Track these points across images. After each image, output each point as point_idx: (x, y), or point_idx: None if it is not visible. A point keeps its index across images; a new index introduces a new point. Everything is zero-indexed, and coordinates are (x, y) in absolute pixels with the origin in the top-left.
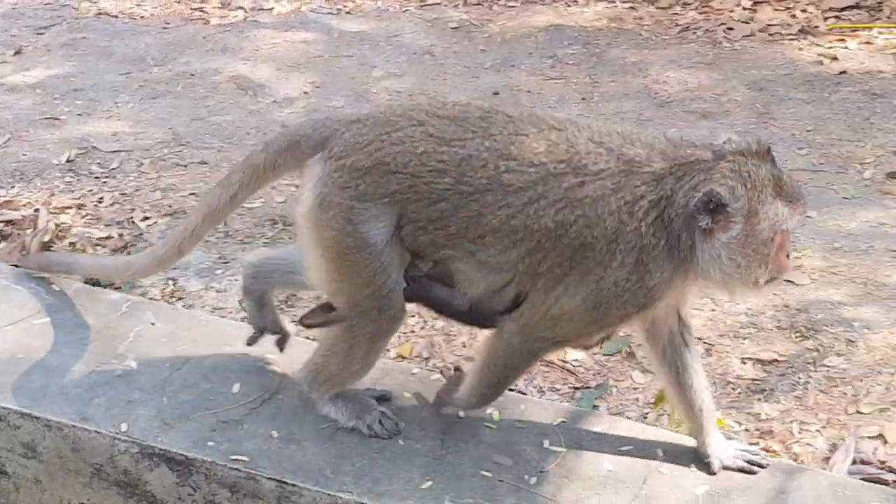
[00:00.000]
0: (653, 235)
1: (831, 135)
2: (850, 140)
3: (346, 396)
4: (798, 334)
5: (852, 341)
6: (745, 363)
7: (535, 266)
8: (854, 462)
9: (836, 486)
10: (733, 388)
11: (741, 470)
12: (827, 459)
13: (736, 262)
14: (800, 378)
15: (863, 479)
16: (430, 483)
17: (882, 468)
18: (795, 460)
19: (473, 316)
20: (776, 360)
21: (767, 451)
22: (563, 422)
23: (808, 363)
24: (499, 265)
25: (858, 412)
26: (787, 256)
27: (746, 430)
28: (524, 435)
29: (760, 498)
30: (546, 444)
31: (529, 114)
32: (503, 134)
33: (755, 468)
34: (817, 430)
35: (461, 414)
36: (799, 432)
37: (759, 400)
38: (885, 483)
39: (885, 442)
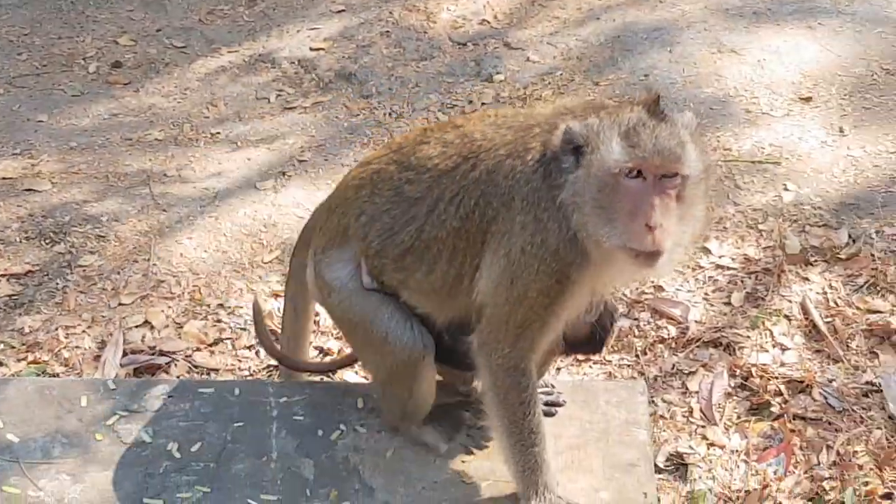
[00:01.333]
0: (544, 186)
1: (49, 35)
2: (69, 37)
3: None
4: (48, 241)
5: (102, 236)
6: None
7: (464, 276)
8: (125, 354)
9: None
10: None
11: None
12: (98, 357)
13: (586, 209)
14: (57, 284)
15: (137, 368)
16: None
17: (153, 353)
18: (66, 365)
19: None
20: (30, 272)
21: (37, 363)
22: None
23: (63, 267)
24: (432, 288)
25: (121, 304)
26: (647, 226)
27: (13, 347)
28: None
29: None
30: None
31: (453, 118)
32: (410, 145)
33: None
34: (84, 332)
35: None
36: (66, 337)
37: (20, 315)
38: (159, 367)
39: (152, 328)
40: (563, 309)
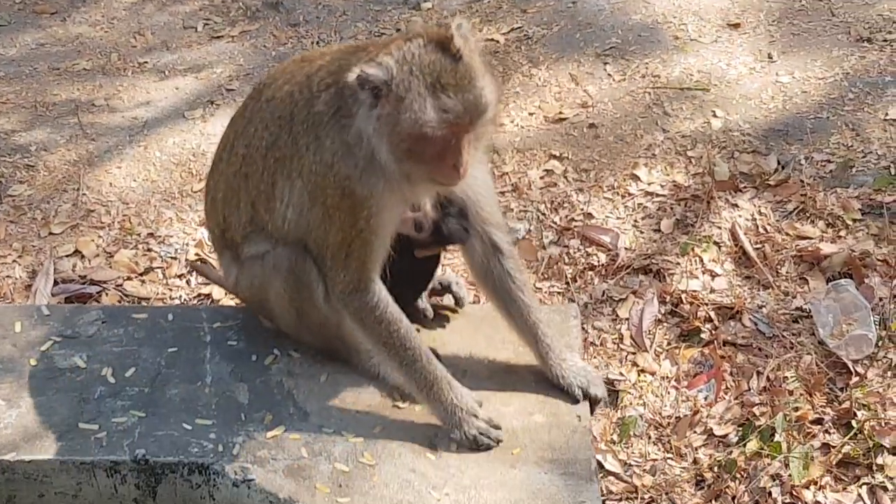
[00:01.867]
0: (324, 104)
1: None
2: None
3: None
4: None
5: (31, 166)
6: None
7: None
8: (56, 283)
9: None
10: None
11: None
12: (30, 287)
13: (389, 147)
14: None
15: (68, 297)
16: None
17: (84, 283)
18: None
19: None
20: None
21: None
22: None
23: None
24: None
25: (51, 234)
26: (455, 167)
27: None
28: None
29: None
30: None
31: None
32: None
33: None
34: (14, 261)
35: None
36: None
37: None
38: (91, 296)
39: (83, 257)
40: (375, 225)
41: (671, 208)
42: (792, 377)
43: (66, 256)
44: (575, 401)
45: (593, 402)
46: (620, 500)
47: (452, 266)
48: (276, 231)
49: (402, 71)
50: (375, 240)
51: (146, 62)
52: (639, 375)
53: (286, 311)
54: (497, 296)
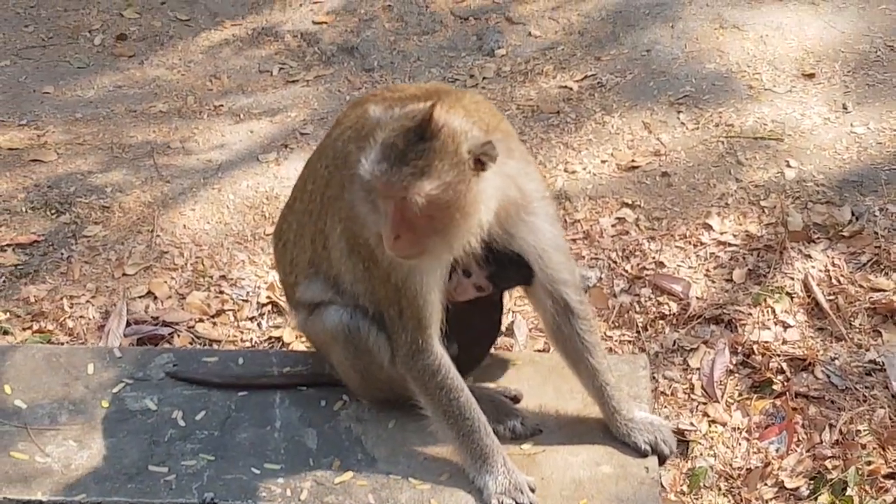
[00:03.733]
0: (352, 153)
1: (55, 7)
2: (74, 9)
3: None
4: (53, 211)
5: (107, 207)
6: (4, 250)
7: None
8: (129, 324)
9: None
10: None
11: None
12: (102, 327)
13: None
14: (62, 254)
15: (140, 338)
16: None
17: (156, 324)
18: (71, 335)
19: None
20: (36, 242)
21: (42, 332)
22: None
23: (69, 237)
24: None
25: (125, 275)
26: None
27: (18, 316)
28: None
29: None
30: None
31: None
32: None
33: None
34: (88, 301)
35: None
36: (70, 307)
37: (25, 284)
38: (163, 337)
39: (155, 298)
40: (413, 285)
41: (743, 258)
42: (865, 430)
43: (139, 297)
44: (644, 455)
45: (662, 458)
46: None
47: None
48: (330, 274)
49: (379, 126)
50: (419, 300)
51: (222, 105)
52: (709, 426)
53: (350, 375)
54: (566, 354)
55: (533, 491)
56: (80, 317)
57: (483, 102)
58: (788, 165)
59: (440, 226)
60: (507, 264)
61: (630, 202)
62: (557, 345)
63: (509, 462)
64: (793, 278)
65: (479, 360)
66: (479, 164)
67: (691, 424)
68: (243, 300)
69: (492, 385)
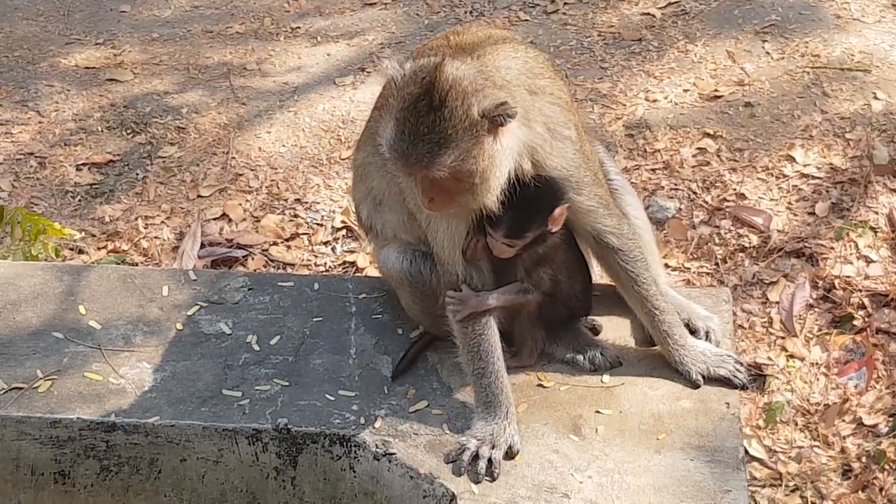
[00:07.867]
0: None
1: None
2: None
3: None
4: (129, 131)
5: (182, 128)
6: (80, 170)
7: None
8: (203, 245)
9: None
10: (73, 197)
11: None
12: (177, 248)
13: None
14: (137, 174)
15: (214, 260)
16: None
17: (231, 246)
18: (145, 255)
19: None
20: (111, 161)
21: (117, 252)
22: None
23: (144, 158)
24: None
25: (199, 196)
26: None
27: (94, 235)
28: None
29: None
30: None
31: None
32: None
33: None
34: (162, 222)
35: None
36: (145, 227)
37: (100, 204)
38: (237, 259)
39: (230, 220)
40: (433, 219)
41: (827, 191)
42: None
43: (214, 219)
44: (695, 385)
45: (727, 385)
46: (764, 486)
47: None
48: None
49: (392, 89)
50: (441, 235)
51: (299, 27)
52: (787, 361)
53: (420, 315)
54: (618, 285)
55: (513, 458)
56: (155, 237)
57: (506, 45)
58: (875, 97)
59: (468, 185)
60: (516, 215)
61: (712, 132)
62: (609, 277)
63: (512, 418)
64: (877, 212)
65: (587, 295)
66: (495, 122)
67: (769, 359)
68: (318, 224)
69: None
